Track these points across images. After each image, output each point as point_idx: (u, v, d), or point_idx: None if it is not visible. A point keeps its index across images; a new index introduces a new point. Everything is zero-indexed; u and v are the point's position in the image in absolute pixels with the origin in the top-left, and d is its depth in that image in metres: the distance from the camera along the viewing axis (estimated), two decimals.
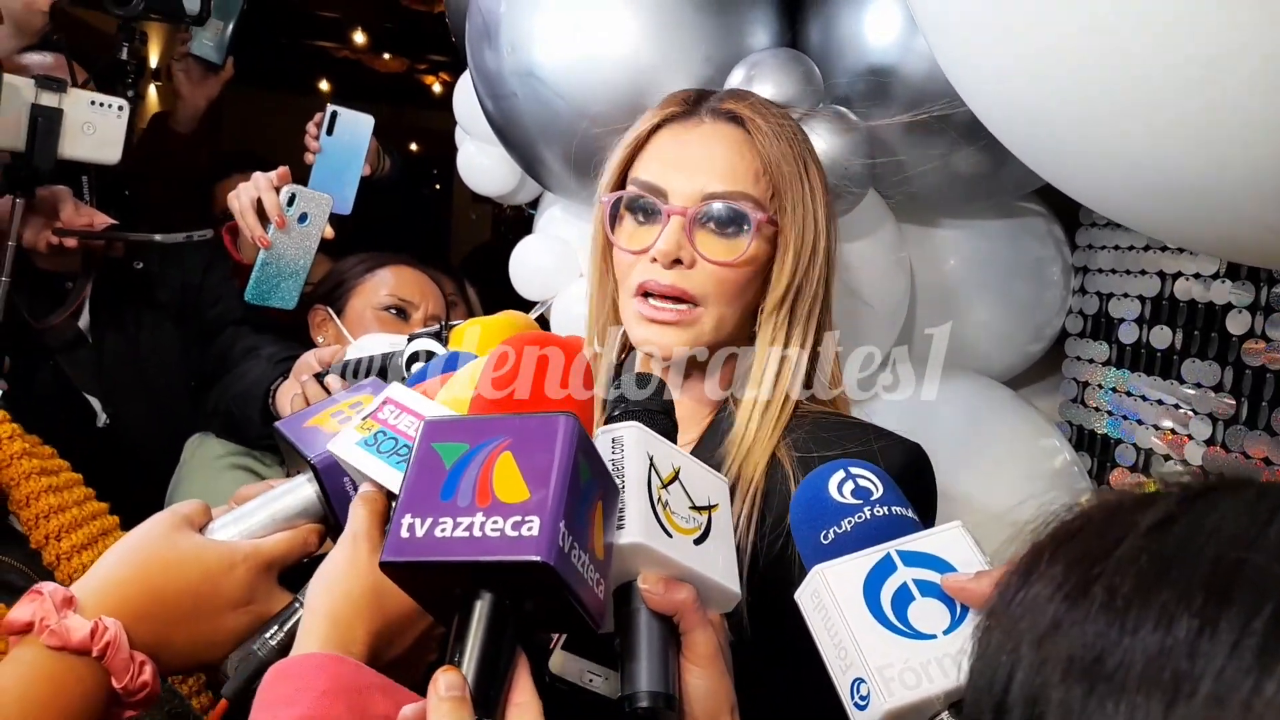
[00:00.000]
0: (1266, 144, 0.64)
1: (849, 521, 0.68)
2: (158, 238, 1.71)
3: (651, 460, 0.68)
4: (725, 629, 0.70)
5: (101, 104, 1.62)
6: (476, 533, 0.57)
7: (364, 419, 0.74)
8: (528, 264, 1.85)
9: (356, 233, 1.85)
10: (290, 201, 1.66)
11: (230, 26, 2.18)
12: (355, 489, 0.76)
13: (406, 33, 6.64)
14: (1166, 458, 1.62)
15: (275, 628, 0.74)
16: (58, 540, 1.08)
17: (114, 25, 1.81)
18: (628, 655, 0.62)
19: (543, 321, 1.92)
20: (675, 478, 0.69)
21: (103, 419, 1.86)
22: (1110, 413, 1.77)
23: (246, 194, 1.66)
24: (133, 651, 0.68)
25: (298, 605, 0.75)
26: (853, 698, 0.60)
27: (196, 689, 1.01)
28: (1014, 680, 0.38)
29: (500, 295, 2.03)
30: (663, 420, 0.72)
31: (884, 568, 0.64)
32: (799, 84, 1.34)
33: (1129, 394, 1.72)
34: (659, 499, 0.66)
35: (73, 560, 1.08)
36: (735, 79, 1.37)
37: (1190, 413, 1.57)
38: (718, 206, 1.04)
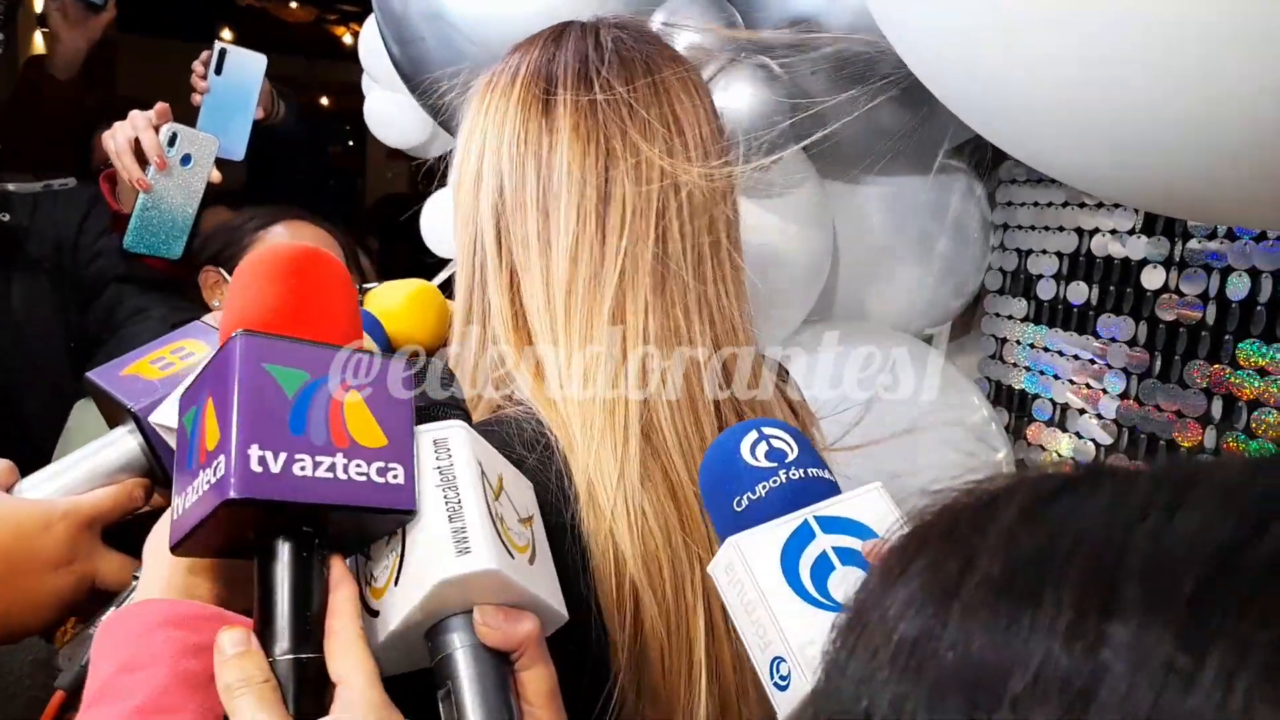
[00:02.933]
0: (1206, 95, 0.61)
1: (763, 486, 0.63)
2: (10, 186, 1.57)
3: (481, 468, 0.61)
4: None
5: None
6: (341, 474, 0.54)
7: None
8: (439, 220, 1.77)
9: (256, 186, 1.74)
10: (171, 141, 1.54)
11: None
12: None
13: None
14: (1081, 411, 1.65)
15: (112, 608, 0.69)
16: None
17: None
18: (459, 706, 0.54)
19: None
20: (502, 487, 0.62)
21: None
22: (1028, 368, 1.79)
23: (123, 134, 1.54)
24: None
25: (135, 582, 0.69)
26: (772, 678, 0.56)
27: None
28: (861, 688, 0.34)
29: (413, 252, 1.95)
30: (459, 418, 0.65)
31: (802, 535, 0.60)
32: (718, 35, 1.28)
33: (1046, 349, 1.74)
34: (495, 514, 0.59)
35: None
36: (654, 26, 1.31)
37: (1105, 367, 1.59)
38: None
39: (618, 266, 0.76)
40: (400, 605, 0.56)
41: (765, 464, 0.64)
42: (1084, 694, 0.27)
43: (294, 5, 6.90)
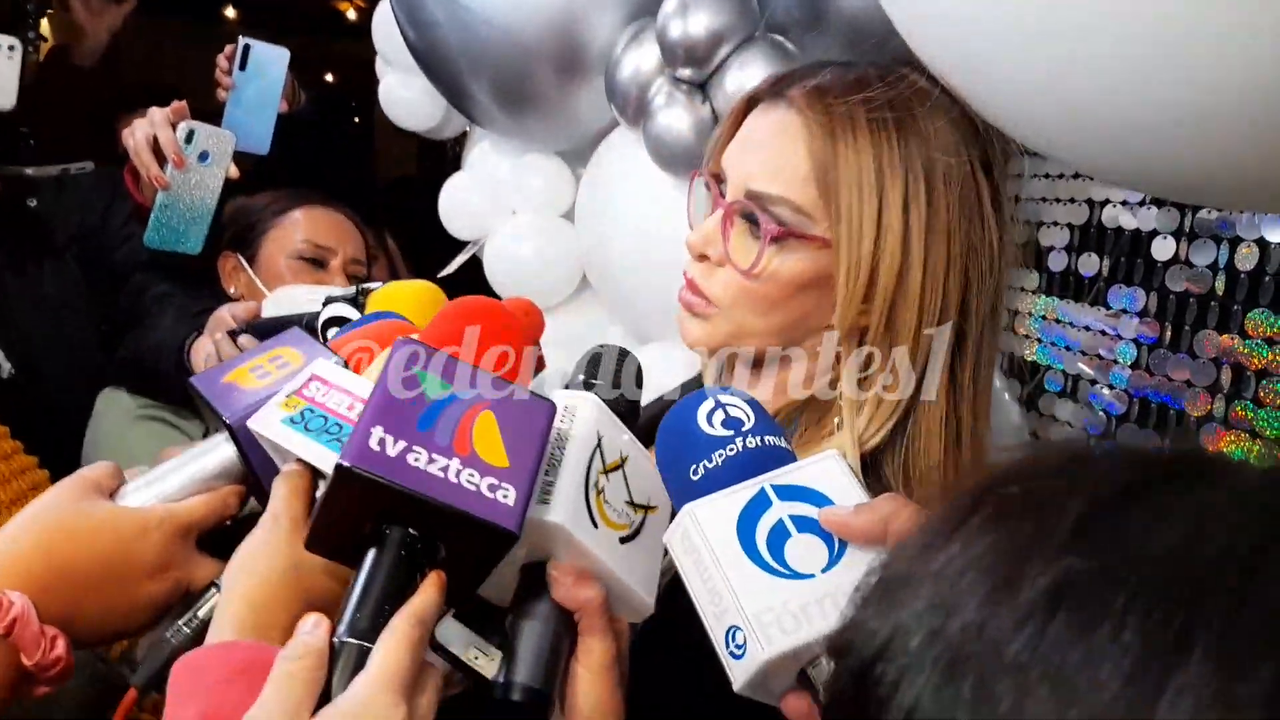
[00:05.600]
0: (1207, 82, 0.63)
1: (720, 455, 0.63)
2: (29, 171, 1.60)
3: (599, 441, 0.64)
4: (627, 639, 0.65)
5: None
6: (452, 478, 0.56)
7: (288, 396, 0.70)
8: (457, 203, 1.80)
9: (272, 171, 1.75)
10: (189, 139, 1.56)
11: None
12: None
13: None
14: (1093, 382, 1.67)
15: (190, 613, 0.71)
16: None
17: None
18: (515, 640, 0.59)
19: (474, 263, 1.87)
20: (620, 466, 0.65)
21: (6, 369, 1.76)
22: (1040, 339, 1.81)
23: (141, 131, 1.56)
24: (43, 626, 0.65)
25: (215, 588, 0.71)
26: (728, 646, 0.57)
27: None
28: (891, 647, 0.34)
29: (427, 234, 1.97)
30: (620, 399, 0.69)
31: (758, 503, 0.60)
32: (735, 12, 1.30)
33: (1058, 320, 1.76)
34: (595, 484, 0.62)
35: (2, 516, 1.02)
36: (670, 5, 1.32)
37: (1116, 337, 1.61)
38: (750, 206, 0.92)
39: None
40: None
41: (722, 432, 0.64)
42: None
43: None
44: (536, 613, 0.60)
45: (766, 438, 0.64)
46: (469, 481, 0.56)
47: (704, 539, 0.59)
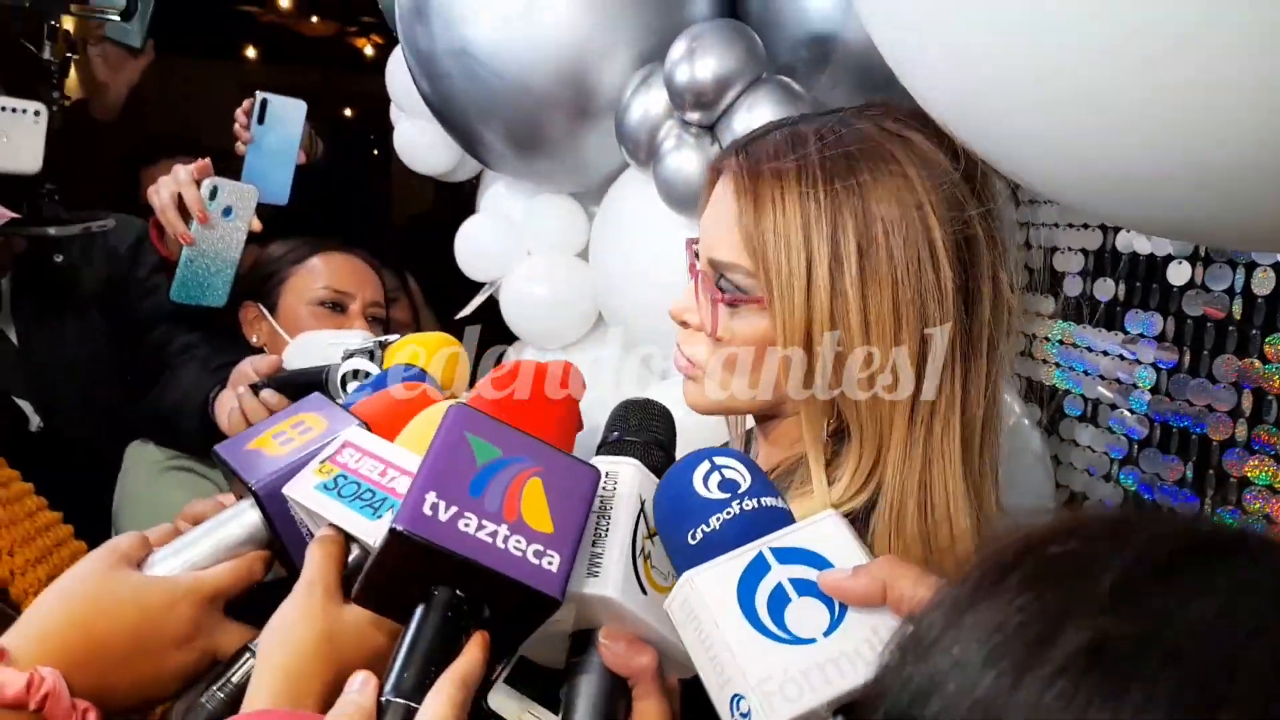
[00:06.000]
0: (1217, 134, 0.64)
1: (717, 519, 0.63)
2: (51, 231, 1.63)
3: (642, 505, 0.65)
4: (678, 696, 0.66)
5: (13, 109, 1.51)
6: (500, 544, 0.58)
7: (322, 462, 0.72)
8: (473, 244, 1.82)
9: (291, 221, 1.79)
10: (212, 195, 1.60)
11: (150, 6, 2.07)
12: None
13: None
14: (1113, 406, 1.66)
15: (225, 679, 0.72)
16: (10, 556, 1.04)
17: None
18: (571, 707, 0.60)
19: (491, 303, 1.89)
20: None
21: (35, 423, 1.79)
22: (1058, 364, 1.80)
23: (166, 189, 1.60)
24: (74, 700, 0.66)
25: (249, 653, 0.73)
26: (732, 714, 0.56)
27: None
28: (923, 701, 0.34)
29: (444, 275, 1.99)
30: (658, 456, 0.70)
31: (757, 568, 0.60)
32: (742, 56, 1.31)
33: (1075, 345, 1.75)
34: (642, 549, 0.63)
35: (27, 575, 1.04)
36: (677, 51, 1.34)
37: (1135, 362, 1.60)
38: (712, 273, 0.94)
39: None
40: None
41: (718, 495, 0.64)
42: None
43: (315, 20, 6.97)
44: (591, 679, 0.61)
45: (763, 499, 0.64)
46: (515, 548, 0.58)
47: (704, 607, 0.59)
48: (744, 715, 0.55)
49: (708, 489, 0.64)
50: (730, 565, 0.60)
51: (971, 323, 0.90)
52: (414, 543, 0.56)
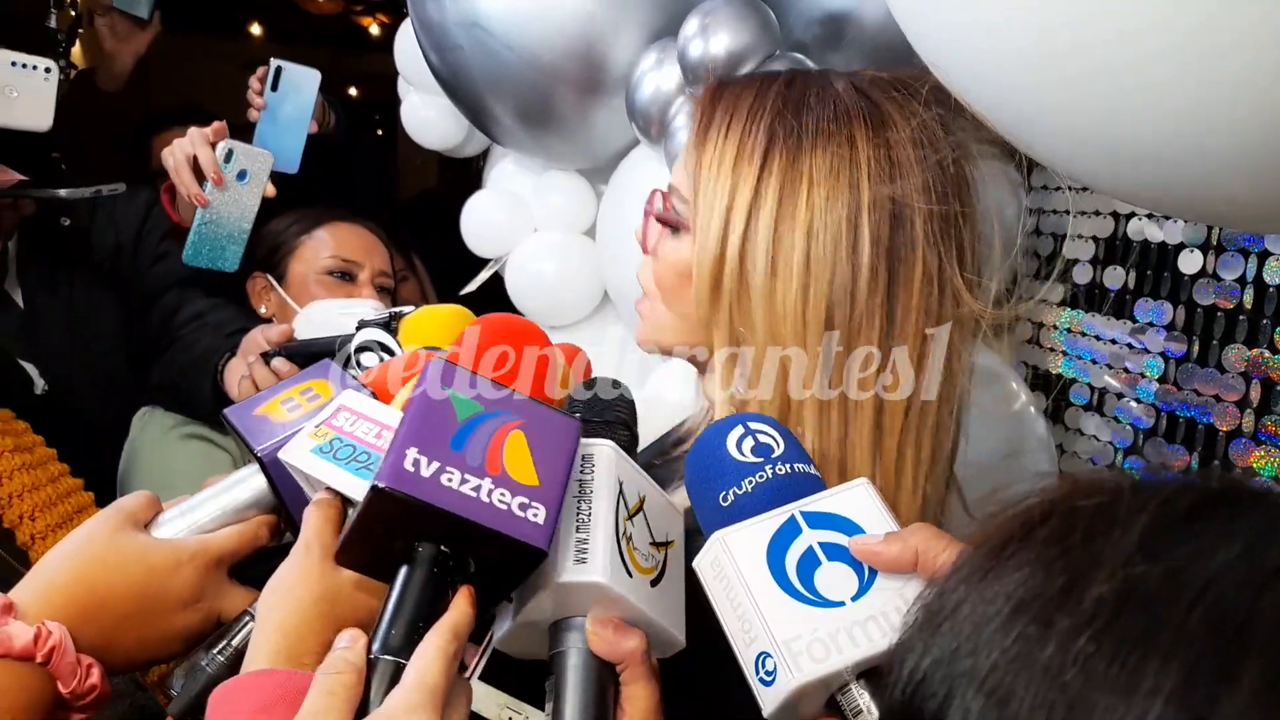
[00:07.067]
0: (1236, 113, 0.63)
1: (749, 481, 0.63)
2: (62, 193, 1.62)
3: (620, 487, 0.64)
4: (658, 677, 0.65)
5: (24, 65, 1.48)
6: (484, 497, 0.57)
7: (317, 426, 0.71)
8: (479, 220, 1.81)
9: (302, 190, 1.77)
10: (228, 158, 1.58)
11: None
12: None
13: None
14: (1120, 395, 1.66)
15: (224, 641, 0.72)
16: (31, 520, 1.04)
17: None
18: (559, 701, 0.59)
19: (495, 280, 1.88)
20: (640, 508, 0.66)
21: (40, 386, 1.78)
22: (1065, 352, 1.80)
23: (181, 150, 1.58)
24: (79, 655, 0.67)
25: (248, 617, 0.73)
26: (758, 673, 0.57)
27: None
28: (936, 673, 0.35)
29: (450, 250, 1.98)
30: (624, 435, 0.69)
31: (788, 531, 0.60)
32: (755, 32, 1.30)
33: (1084, 334, 1.75)
34: (624, 532, 0.62)
35: (47, 539, 1.04)
36: (690, 27, 1.32)
37: (1143, 351, 1.59)
38: (659, 196, 0.95)
39: None
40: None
41: (751, 459, 0.64)
42: None
43: None
44: (578, 668, 0.60)
45: (796, 465, 0.65)
46: (500, 501, 0.57)
47: (734, 566, 0.59)
48: (769, 673, 0.56)
49: (741, 453, 0.65)
50: (762, 527, 0.61)
51: (894, 302, 0.84)
52: (396, 499, 0.56)
